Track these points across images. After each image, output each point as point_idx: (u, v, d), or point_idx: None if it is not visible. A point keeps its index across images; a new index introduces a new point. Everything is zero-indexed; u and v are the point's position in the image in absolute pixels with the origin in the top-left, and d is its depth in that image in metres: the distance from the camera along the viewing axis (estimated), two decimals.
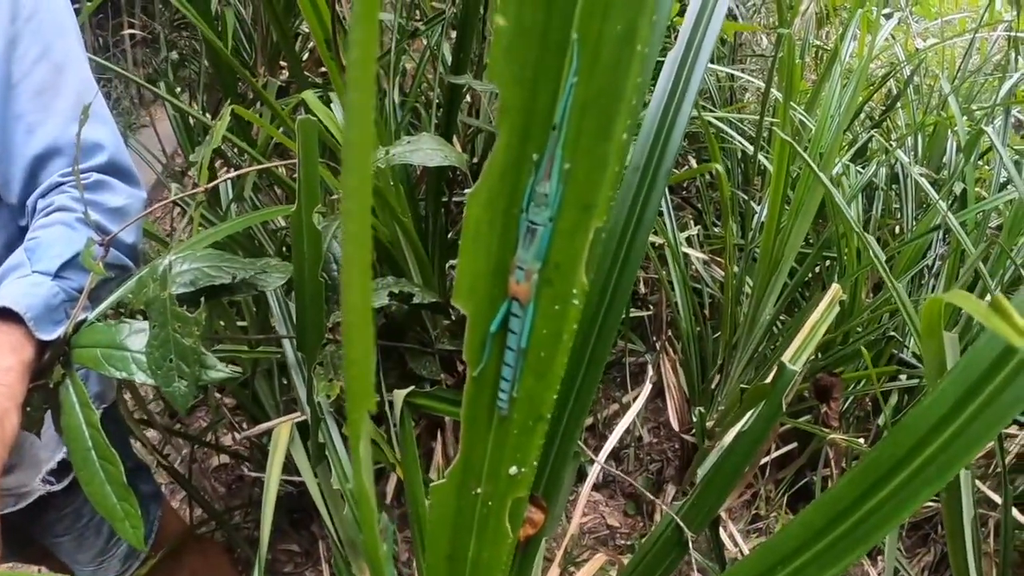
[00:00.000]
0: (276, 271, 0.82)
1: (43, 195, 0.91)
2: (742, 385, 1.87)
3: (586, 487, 1.27)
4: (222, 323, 1.59)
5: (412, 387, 1.04)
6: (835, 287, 1.32)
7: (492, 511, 0.51)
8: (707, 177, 2.30)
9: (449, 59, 1.64)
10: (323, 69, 2.08)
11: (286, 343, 1.09)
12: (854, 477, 0.51)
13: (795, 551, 0.53)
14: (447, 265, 1.43)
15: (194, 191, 0.86)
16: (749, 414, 1.16)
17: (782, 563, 0.54)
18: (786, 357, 1.05)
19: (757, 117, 1.87)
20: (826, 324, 1.28)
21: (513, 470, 0.48)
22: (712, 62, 2.42)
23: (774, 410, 0.95)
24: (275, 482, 1.09)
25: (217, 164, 2.07)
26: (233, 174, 1.01)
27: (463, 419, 0.47)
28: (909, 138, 2.39)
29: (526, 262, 0.38)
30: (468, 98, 1.79)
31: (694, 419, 1.92)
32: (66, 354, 0.72)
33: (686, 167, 2.33)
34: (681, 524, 0.97)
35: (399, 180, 1.26)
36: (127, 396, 1.66)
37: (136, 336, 0.67)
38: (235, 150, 2.01)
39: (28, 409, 0.71)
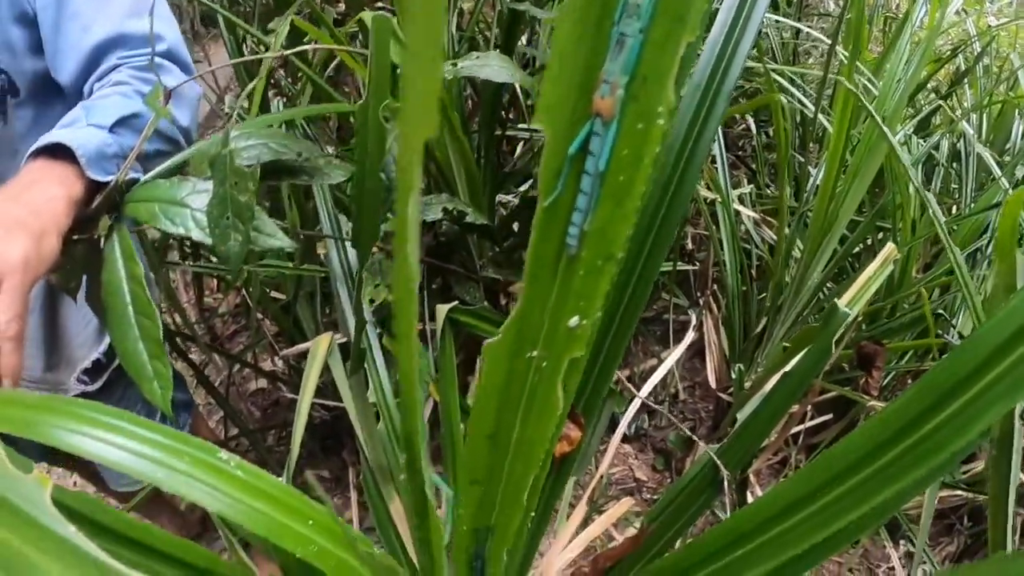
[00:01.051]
0: (338, 168, 0.83)
1: (100, 78, 0.92)
2: (784, 344, 1.85)
3: (617, 433, 1.27)
4: None
5: (455, 303, 1.04)
6: (890, 246, 1.30)
7: (545, 376, 0.49)
8: (763, 138, 2.27)
9: None
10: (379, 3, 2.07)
11: (333, 253, 1.10)
12: (912, 396, 0.49)
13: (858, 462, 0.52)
14: (496, 199, 1.43)
15: (247, 92, 0.87)
16: (795, 360, 1.15)
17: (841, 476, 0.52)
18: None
19: (820, 74, 1.83)
20: (879, 280, 1.26)
21: (574, 321, 0.45)
22: (776, 15, 2.37)
23: (823, 351, 0.93)
24: (311, 389, 1.10)
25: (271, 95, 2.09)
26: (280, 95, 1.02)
27: (527, 260, 0.44)
28: (974, 116, 2.33)
29: (613, 74, 0.36)
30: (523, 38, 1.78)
31: (732, 376, 1.91)
32: (117, 206, 0.73)
33: (742, 126, 2.30)
34: (718, 462, 0.97)
35: (454, 109, 1.26)
36: (175, 319, 1.70)
37: (198, 196, 0.67)
38: (288, 79, 2.02)
39: (68, 264, 0.72)
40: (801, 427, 1.95)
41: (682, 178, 0.73)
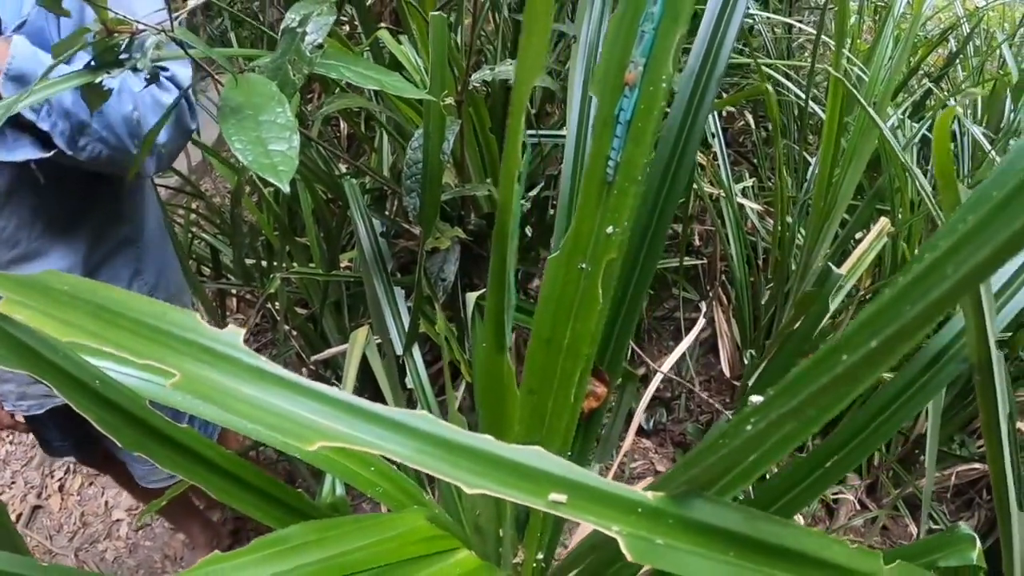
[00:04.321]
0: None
1: None
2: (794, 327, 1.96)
3: (634, 423, 1.38)
4: (295, 264, 1.74)
5: (484, 291, 1.16)
6: (883, 220, 1.43)
7: (590, 278, 0.66)
8: (763, 133, 2.40)
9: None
10: (382, 25, 2.21)
11: (366, 247, 1.22)
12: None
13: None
14: None
15: None
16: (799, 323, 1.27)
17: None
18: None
19: (810, 65, 1.97)
20: (874, 253, 1.39)
21: (610, 229, 0.64)
22: (767, 11, 2.51)
23: (821, 310, 1.06)
24: (352, 376, 1.22)
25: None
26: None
27: (581, 190, 0.64)
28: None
29: (636, 57, 0.60)
30: None
31: (745, 362, 2.03)
32: None
33: (741, 123, 2.43)
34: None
35: (484, 109, 1.39)
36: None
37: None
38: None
39: None
40: None
41: (683, 152, 0.85)
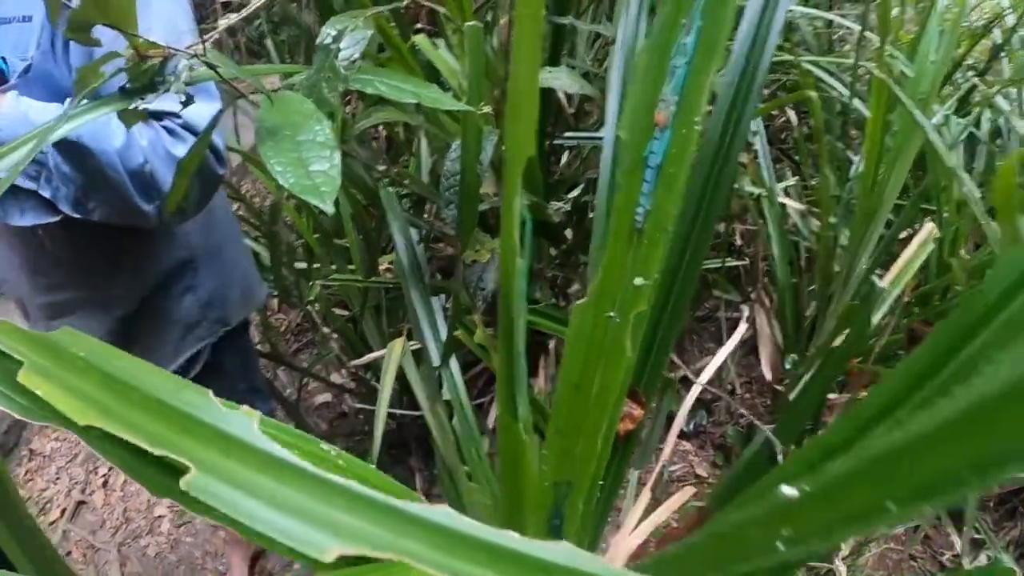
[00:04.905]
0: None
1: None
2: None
3: (675, 427, 1.37)
4: (334, 266, 1.76)
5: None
6: (929, 225, 1.41)
7: (619, 328, 0.63)
8: (805, 130, 2.37)
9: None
10: (418, 25, 2.21)
11: (403, 257, 1.23)
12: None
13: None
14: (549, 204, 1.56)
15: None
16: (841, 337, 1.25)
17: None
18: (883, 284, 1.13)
19: (853, 62, 1.94)
20: (920, 260, 1.37)
21: (639, 281, 0.62)
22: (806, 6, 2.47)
23: (863, 325, 1.05)
24: (389, 385, 1.23)
25: None
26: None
27: (610, 237, 0.62)
28: (1013, 90, 2.39)
29: (667, 95, 0.56)
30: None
31: (787, 367, 2.02)
32: None
33: (782, 119, 2.40)
34: (771, 437, 1.08)
35: None
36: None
37: None
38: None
39: None
40: None
41: (723, 165, 0.82)
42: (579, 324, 0.65)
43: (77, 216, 1.09)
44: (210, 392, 0.51)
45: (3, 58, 1.07)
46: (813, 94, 1.67)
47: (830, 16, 2.27)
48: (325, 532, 0.45)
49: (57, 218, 1.10)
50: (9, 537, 0.62)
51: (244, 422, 0.51)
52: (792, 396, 1.48)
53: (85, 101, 0.85)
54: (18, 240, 1.25)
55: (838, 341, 1.20)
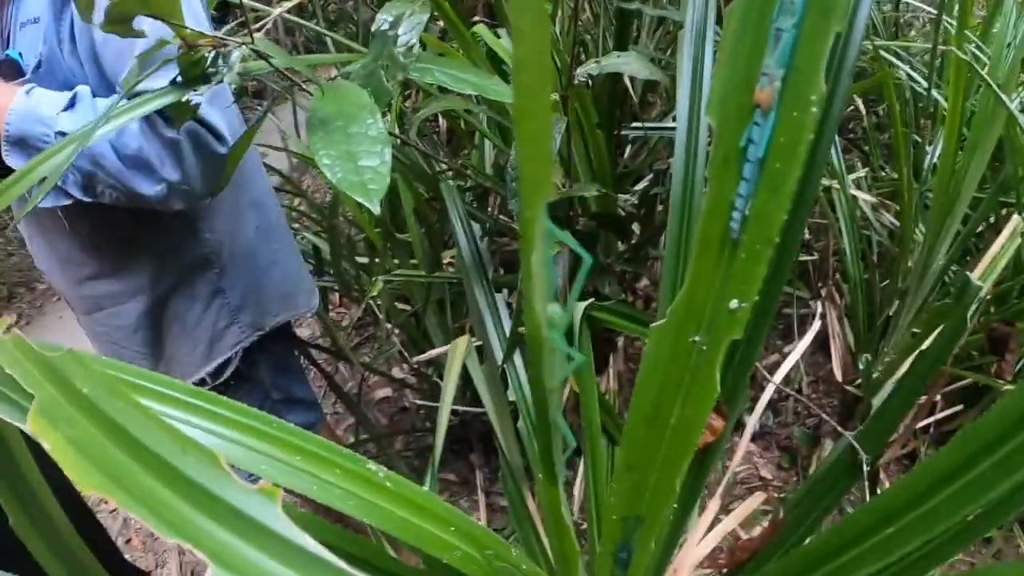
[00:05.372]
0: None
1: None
2: (913, 330, 1.89)
3: (747, 430, 1.34)
4: (396, 261, 1.75)
5: (591, 300, 1.14)
6: (1015, 219, 1.34)
7: (705, 358, 0.53)
8: (874, 119, 2.31)
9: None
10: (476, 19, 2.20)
11: (466, 253, 1.21)
12: None
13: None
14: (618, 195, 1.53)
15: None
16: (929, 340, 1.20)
17: None
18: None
19: (925, 46, 1.87)
20: (1007, 256, 1.31)
21: (734, 304, 0.50)
22: None
23: (957, 326, 0.99)
24: (452, 385, 1.21)
25: None
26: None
27: (696, 245, 0.50)
28: None
29: (770, 67, 0.43)
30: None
31: (858, 368, 1.96)
32: None
33: (850, 108, 2.34)
34: (855, 444, 1.03)
35: (591, 104, 1.36)
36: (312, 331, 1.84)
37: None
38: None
39: None
40: (931, 419, 1.97)
41: (810, 163, 0.79)
42: (656, 349, 0.55)
43: (89, 200, 1.14)
44: (221, 456, 0.46)
45: (20, 54, 1.16)
46: (893, 79, 1.60)
47: None
48: None
49: (70, 201, 1.15)
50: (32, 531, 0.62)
51: (262, 504, 0.44)
52: (877, 401, 1.43)
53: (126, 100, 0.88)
54: (51, 230, 1.31)
55: (926, 343, 1.15)
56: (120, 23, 0.77)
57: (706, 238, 0.49)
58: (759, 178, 0.46)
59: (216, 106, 1.16)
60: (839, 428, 1.41)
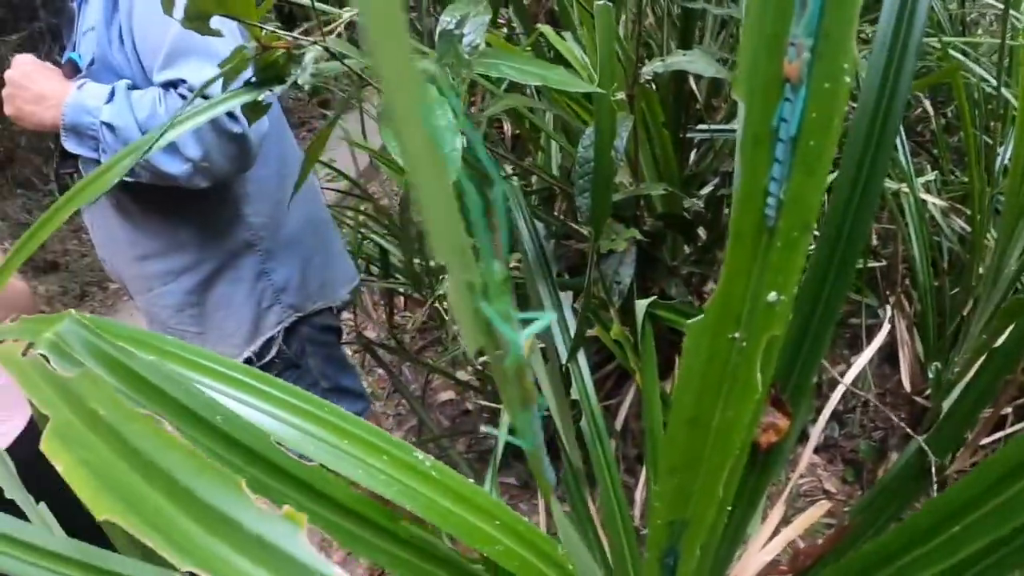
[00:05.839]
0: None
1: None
2: (983, 336, 1.85)
3: (811, 442, 1.31)
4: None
5: (654, 298, 1.15)
6: None
7: (744, 356, 0.51)
8: (943, 121, 2.27)
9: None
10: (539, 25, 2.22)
11: (530, 251, 1.23)
12: None
13: None
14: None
15: None
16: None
17: None
18: None
19: (992, 43, 1.83)
20: None
21: (772, 296, 0.48)
22: None
23: None
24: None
25: None
26: None
27: (730, 236, 0.47)
28: None
29: (797, 36, 0.40)
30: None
31: (929, 377, 1.92)
32: None
33: (918, 110, 2.30)
34: (925, 447, 1.01)
35: (657, 103, 1.37)
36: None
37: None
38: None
39: None
40: (1000, 433, 1.92)
41: (874, 162, 0.73)
42: (693, 348, 0.52)
43: (130, 180, 1.29)
44: (242, 482, 0.44)
45: (79, 56, 1.35)
46: (961, 77, 1.58)
47: None
48: None
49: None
50: None
51: (286, 530, 0.43)
52: (947, 404, 1.39)
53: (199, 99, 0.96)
54: (108, 213, 1.46)
55: (1000, 340, 1.12)
56: (197, 20, 0.81)
57: (739, 228, 0.47)
58: (793, 159, 0.43)
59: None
60: (909, 431, 1.40)
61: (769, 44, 0.41)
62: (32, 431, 1.34)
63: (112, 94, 1.27)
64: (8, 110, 1.35)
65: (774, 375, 0.60)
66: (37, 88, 1.31)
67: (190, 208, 1.43)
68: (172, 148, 1.25)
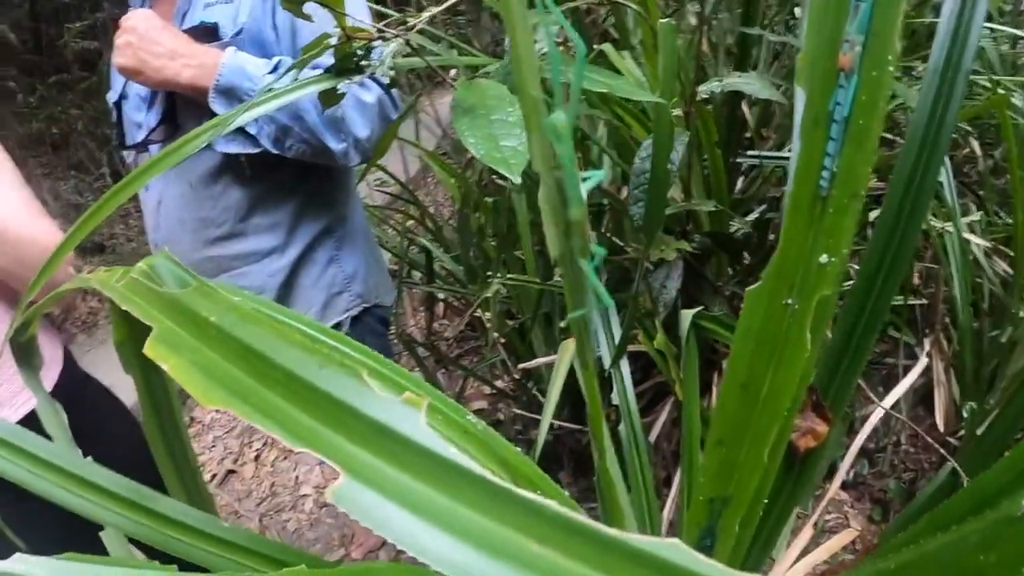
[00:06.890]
0: None
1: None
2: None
3: (837, 478, 1.32)
4: (509, 273, 1.82)
5: (700, 308, 1.18)
6: None
7: (797, 318, 0.56)
8: (990, 162, 2.28)
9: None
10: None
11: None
12: None
13: None
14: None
15: None
16: None
17: None
18: None
19: None
20: None
21: (824, 258, 0.54)
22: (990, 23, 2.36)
23: None
24: (559, 386, 1.25)
25: None
26: None
27: (788, 206, 0.55)
28: None
29: (851, 34, 0.50)
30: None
31: (963, 418, 1.92)
32: None
33: (965, 150, 2.32)
34: (958, 468, 1.04)
35: (712, 122, 1.41)
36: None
37: None
38: None
39: None
40: None
41: (916, 193, 0.73)
42: (750, 312, 0.58)
43: (275, 152, 1.32)
44: (364, 372, 0.44)
45: (216, 23, 1.36)
46: (1009, 114, 1.60)
47: (1018, 32, 2.17)
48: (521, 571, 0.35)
49: (257, 150, 1.33)
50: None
51: (407, 414, 0.42)
52: (979, 431, 1.40)
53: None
54: (189, 193, 1.47)
55: None
56: (294, 3, 0.87)
57: (798, 200, 0.55)
58: (844, 136, 0.52)
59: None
60: (944, 453, 1.41)
61: (828, 41, 0.51)
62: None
63: (276, 67, 1.28)
64: (124, 60, 1.29)
65: (814, 382, 0.63)
66: (169, 44, 1.29)
67: (301, 190, 1.48)
68: (340, 125, 1.29)
